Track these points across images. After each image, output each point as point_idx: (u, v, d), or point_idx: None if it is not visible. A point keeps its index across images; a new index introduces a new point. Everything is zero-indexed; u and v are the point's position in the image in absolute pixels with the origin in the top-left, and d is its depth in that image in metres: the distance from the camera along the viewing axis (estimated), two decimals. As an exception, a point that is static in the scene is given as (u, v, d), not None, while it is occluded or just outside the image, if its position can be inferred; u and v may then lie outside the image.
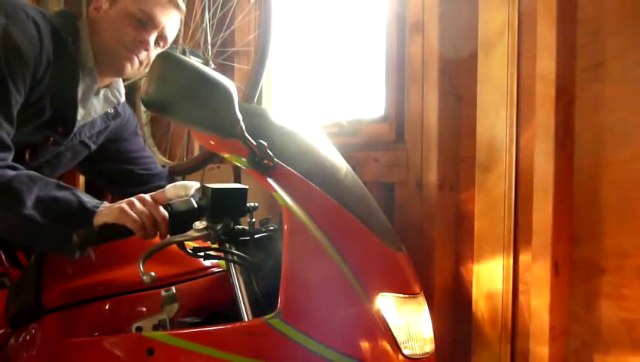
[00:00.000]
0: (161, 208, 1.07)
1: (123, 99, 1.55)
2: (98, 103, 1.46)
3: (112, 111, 1.52)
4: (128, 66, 1.38)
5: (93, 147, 1.53)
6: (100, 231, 1.02)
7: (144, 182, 1.61)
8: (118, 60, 1.36)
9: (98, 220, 1.06)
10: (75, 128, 1.39)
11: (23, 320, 1.13)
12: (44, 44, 1.23)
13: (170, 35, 1.43)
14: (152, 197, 1.09)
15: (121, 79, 1.53)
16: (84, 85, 1.37)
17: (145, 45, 1.36)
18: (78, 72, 1.32)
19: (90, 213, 1.07)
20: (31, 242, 1.15)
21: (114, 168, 1.62)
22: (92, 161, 1.58)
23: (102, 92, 1.46)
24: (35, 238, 1.10)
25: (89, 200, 1.11)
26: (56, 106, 1.31)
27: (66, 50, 1.29)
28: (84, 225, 1.04)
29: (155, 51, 1.41)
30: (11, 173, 1.11)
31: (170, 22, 1.40)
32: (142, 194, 1.10)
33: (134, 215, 1.04)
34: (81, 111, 1.39)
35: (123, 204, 1.06)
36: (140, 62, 1.39)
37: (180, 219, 1.02)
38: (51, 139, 1.37)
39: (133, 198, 1.08)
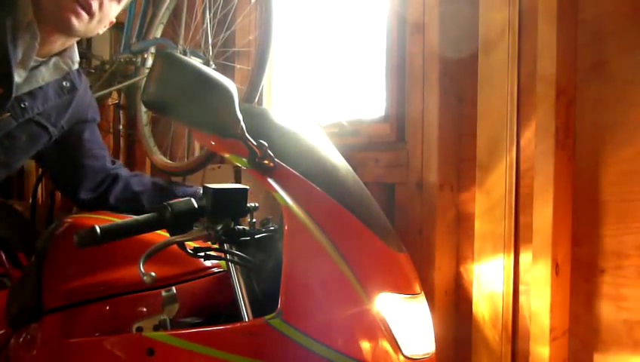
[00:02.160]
0: None
1: (75, 66, 1.42)
2: (46, 70, 1.34)
3: (68, 84, 1.39)
4: (74, 20, 1.25)
5: (53, 131, 1.41)
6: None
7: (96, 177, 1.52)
8: (62, 12, 1.23)
9: None
10: (15, 90, 1.26)
11: (23, 320, 1.13)
12: None
13: None
14: None
15: (75, 47, 1.41)
16: (23, 43, 1.24)
17: None
18: (5, 20, 1.19)
19: None
20: None
21: (72, 161, 1.50)
22: (53, 154, 1.48)
23: (53, 60, 1.34)
24: None
25: None
26: None
27: None
28: None
29: (110, 6, 1.30)
30: None
31: None
32: None
33: None
34: (22, 73, 1.27)
35: None
36: (91, 16, 1.27)
37: (180, 219, 1.02)
38: None
39: None
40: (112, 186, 1.53)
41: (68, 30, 1.29)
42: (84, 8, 1.25)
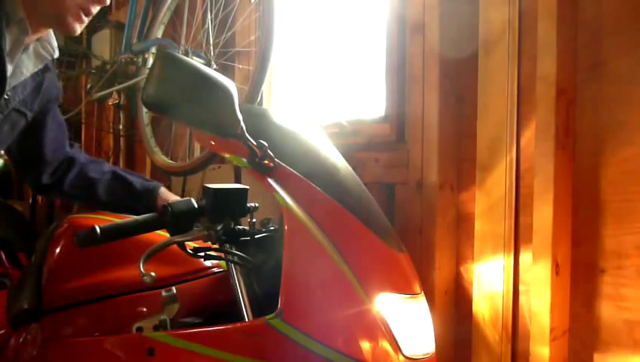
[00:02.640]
0: None
1: (56, 54, 1.39)
2: (28, 60, 1.31)
3: (42, 66, 1.37)
4: (77, 26, 1.26)
5: (30, 115, 1.39)
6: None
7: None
8: (67, 20, 1.24)
9: None
10: (7, 86, 1.25)
11: (23, 320, 1.13)
12: None
13: None
14: None
15: (52, 32, 1.37)
16: (11, 37, 1.22)
17: (102, 2, 1.25)
18: (1, 21, 1.18)
19: None
20: None
21: (35, 143, 1.45)
22: (17, 138, 1.42)
23: (32, 46, 1.31)
24: None
25: None
26: None
27: None
28: None
29: (104, 3, 1.30)
30: None
31: None
32: None
33: None
34: (9, 67, 1.25)
35: None
36: (89, 17, 1.28)
37: (180, 219, 1.02)
38: None
39: None
40: (67, 171, 1.47)
41: (68, 34, 1.29)
42: (85, 12, 1.25)
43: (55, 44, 1.38)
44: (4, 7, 1.19)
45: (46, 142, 1.46)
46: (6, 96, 1.29)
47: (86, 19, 1.27)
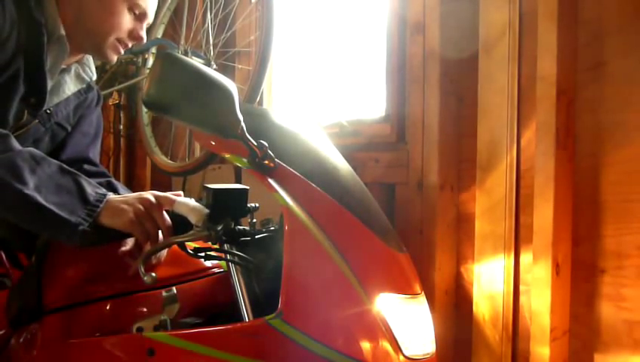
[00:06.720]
0: (165, 214, 1.05)
1: (95, 77, 1.46)
2: (70, 80, 1.38)
3: (85, 86, 1.43)
4: (114, 57, 1.34)
5: (68, 128, 1.43)
6: (102, 232, 1.02)
7: None
8: (107, 51, 1.31)
9: (102, 221, 1.03)
10: (47, 98, 1.29)
11: (23, 320, 1.13)
12: (6, 2, 1.15)
13: None
14: (158, 199, 1.06)
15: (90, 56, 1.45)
16: (52, 54, 1.27)
17: (139, 40, 1.32)
18: (43, 36, 1.22)
19: (92, 209, 1.03)
20: (27, 224, 1.08)
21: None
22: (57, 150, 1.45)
23: (73, 68, 1.38)
24: (32, 221, 1.05)
25: (91, 191, 1.05)
26: (26, 76, 1.22)
27: (29, 10, 1.19)
28: (85, 219, 1.01)
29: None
30: (14, 145, 1.07)
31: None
32: (149, 195, 1.06)
33: (142, 224, 1.02)
34: (49, 82, 1.30)
35: (129, 209, 1.03)
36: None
37: (181, 220, 1.02)
38: (26, 112, 1.27)
39: (138, 202, 1.04)
40: None
41: (106, 62, 1.38)
42: (123, 45, 1.32)
43: (94, 68, 1.45)
44: (46, 25, 1.23)
45: (66, 142, 1.46)
46: (48, 111, 1.34)
47: (122, 51, 1.34)
